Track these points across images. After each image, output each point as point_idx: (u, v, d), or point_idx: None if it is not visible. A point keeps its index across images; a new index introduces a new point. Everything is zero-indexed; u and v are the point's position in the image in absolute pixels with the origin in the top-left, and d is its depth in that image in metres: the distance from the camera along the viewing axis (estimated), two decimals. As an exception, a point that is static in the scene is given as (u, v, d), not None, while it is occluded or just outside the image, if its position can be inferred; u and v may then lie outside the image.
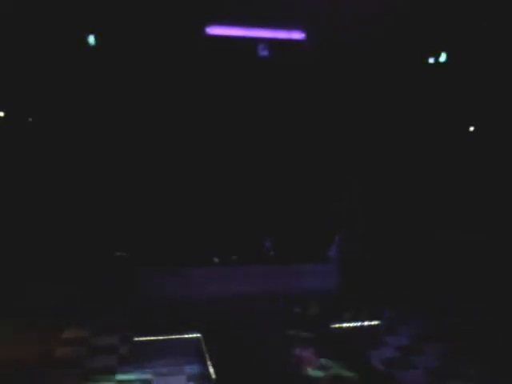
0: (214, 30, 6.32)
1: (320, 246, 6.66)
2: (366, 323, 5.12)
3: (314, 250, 6.62)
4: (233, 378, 4.01)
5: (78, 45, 6.38)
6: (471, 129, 8.51)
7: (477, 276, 6.93)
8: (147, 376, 4.35)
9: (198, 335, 4.71)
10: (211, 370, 4.11)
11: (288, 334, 4.75)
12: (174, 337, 4.72)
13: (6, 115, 7.24)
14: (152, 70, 6.79)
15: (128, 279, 5.85)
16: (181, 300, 5.47)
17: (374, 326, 5.17)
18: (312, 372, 4.11)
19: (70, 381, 4.30)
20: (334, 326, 5.07)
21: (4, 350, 4.81)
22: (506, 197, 7.97)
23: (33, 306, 5.83)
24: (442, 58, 7.30)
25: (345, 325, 5.09)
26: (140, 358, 4.57)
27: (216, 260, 6.22)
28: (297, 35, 6.55)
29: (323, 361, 4.30)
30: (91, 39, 6.34)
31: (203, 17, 6.14)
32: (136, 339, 4.65)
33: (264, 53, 6.58)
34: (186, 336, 4.73)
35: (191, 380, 4.36)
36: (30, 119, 7.36)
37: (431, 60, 7.38)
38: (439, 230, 7.94)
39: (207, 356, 4.33)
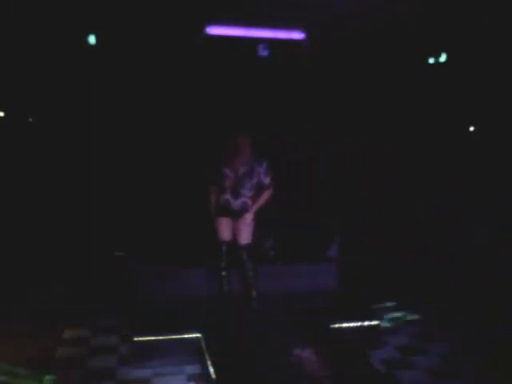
0: (214, 30, 6.32)
1: (320, 246, 6.66)
2: (366, 323, 5.12)
3: (313, 250, 6.62)
4: (233, 377, 4.00)
5: (78, 44, 6.39)
6: (471, 129, 8.52)
7: (477, 276, 6.93)
8: None
9: (198, 335, 4.70)
10: (211, 370, 4.10)
11: (288, 334, 4.74)
12: (174, 337, 4.71)
13: (6, 115, 7.25)
14: (151, 69, 6.79)
15: (128, 279, 5.85)
16: (181, 300, 5.46)
17: (374, 326, 5.17)
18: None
19: (70, 381, 4.30)
20: (333, 326, 5.07)
21: (4, 350, 4.81)
22: (507, 197, 7.97)
23: (32, 306, 5.83)
24: (442, 58, 7.30)
25: (345, 325, 5.08)
26: (140, 358, 4.56)
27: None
28: (297, 35, 6.55)
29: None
30: (91, 39, 6.35)
31: (203, 17, 6.14)
32: (136, 339, 4.64)
33: (264, 53, 6.57)
34: (186, 336, 4.73)
35: (191, 380, 4.36)
36: (30, 119, 7.37)
37: (431, 60, 7.39)
38: (440, 229, 7.95)
39: (207, 356, 4.32)
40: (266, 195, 5.29)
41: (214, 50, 6.50)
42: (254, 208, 5.27)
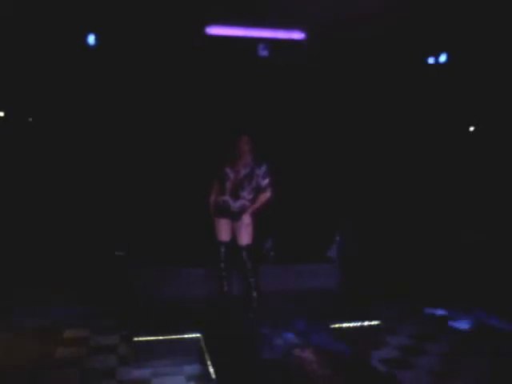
0: (214, 30, 6.32)
1: (320, 246, 6.66)
2: (365, 323, 5.12)
3: (313, 250, 6.62)
4: (233, 377, 4.01)
5: (78, 45, 6.39)
6: (471, 129, 8.52)
7: (477, 276, 6.93)
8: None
9: (198, 335, 4.71)
10: (211, 370, 4.10)
11: (288, 334, 4.74)
12: (174, 337, 4.71)
13: (6, 115, 7.25)
14: (151, 69, 6.79)
15: (128, 279, 5.86)
16: (181, 300, 5.47)
17: (374, 326, 5.17)
18: None
19: (70, 381, 4.30)
20: (333, 326, 5.07)
21: (4, 350, 4.81)
22: (508, 197, 7.97)
23: (32, 306, 5.83)
24: (442, 58, 7.30)
25: (345, 325, 5.08)
26: (140, 357, 4.56)
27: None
28: (297, 35, 6.55)
29: None
30: (91, 39, 6.35)
31: (203, 17, 6.14)
32: (136, 339, 4.64)
33: (264, 53, 6.58)
34: (186, 336, 4.73)
35: (191, 380, 4.36)
36: (30, 119, 7.37)
37: (431, 60, 7.39)
38: (440, 229, 7.95)
39: (207, 356, 4.32)
40: (262, 198, 5.28)
41: (214, 50, 6.50)
42: (251, 210, 5.26)
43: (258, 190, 5.28)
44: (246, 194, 5.26)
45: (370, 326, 5.13)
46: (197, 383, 4.31)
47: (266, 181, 5.26)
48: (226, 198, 5.28)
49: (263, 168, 5.27)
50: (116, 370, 4.51)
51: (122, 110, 6.98)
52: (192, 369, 4.50)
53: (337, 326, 5.06)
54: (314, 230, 6.85)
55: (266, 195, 5.28)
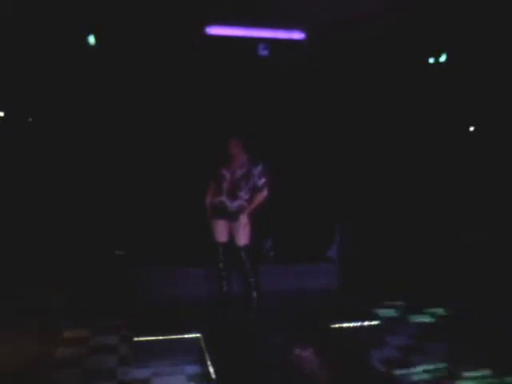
0: (214, 30, 6.32)
1: (320, 246, 6.67)
2: (365, 323, 5.12)
3: (313, 250, 6.62)
4: (233, 377, 4.01)
5: (78, 45, 6.39)
6: (471, 129, 8.53)
7: (477, 276, 6.94)
8: None
9: (198, 335, 4.71)
10: (211, 369, 4.10)
11: (288, 334, 4.74)
12: (174, 337, 4.72)
13: (6, 115, 7.25)
14: (151, 70, 6.79)
15: (128, 279, 5.86)
16: (181, 300, 5.47)
17: (374, 326, 5.17)
18: None
19: (70, 381, 4.30)
20: (333, 326, 5.07)
21: (4, 350, 4.81)
22: (508, 197, 7.98)
23: (32, 306, 5.83)
24: (442, 58, 7.31)
25: (345, 325, 5.09)
26: (140, 357, 4.56)
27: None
28: (297, 35, 6.56)
29: None
30: (91, 39, 6.35)
31: (203, 17, 6.15)
32: (136, 339, 4.64)
33: (264, 53, 6.58)
34: (186, 336, 4.73)
35: (191, 380, 4.36)
36: (30, 119, 7.37)
37: (431, 60, 7.40)
38: (440, 229, 7.96)
39: (207, 356, 4.32)
40: (259, 197, 5.26)
41: (214, 50, 6.50)
42: (248, 210, 5.25)
43: (255, 190, 5.26)
44: (243, 194, 5.25)
45: (370, 325, 5.13)
46: (197, 383, 4.31)
47: (263, 180, 5.25)
48: (223, 198, 5.27)
49: (259, 168, 5.27)
50: (116, 370, 4.51)
51: (121, 111, 6.98)
52: (192, 369, 4.50)
53: (337, 325, 5.06)
54: (314, 230, 6.85)
55: (262, 195, 5.26)
